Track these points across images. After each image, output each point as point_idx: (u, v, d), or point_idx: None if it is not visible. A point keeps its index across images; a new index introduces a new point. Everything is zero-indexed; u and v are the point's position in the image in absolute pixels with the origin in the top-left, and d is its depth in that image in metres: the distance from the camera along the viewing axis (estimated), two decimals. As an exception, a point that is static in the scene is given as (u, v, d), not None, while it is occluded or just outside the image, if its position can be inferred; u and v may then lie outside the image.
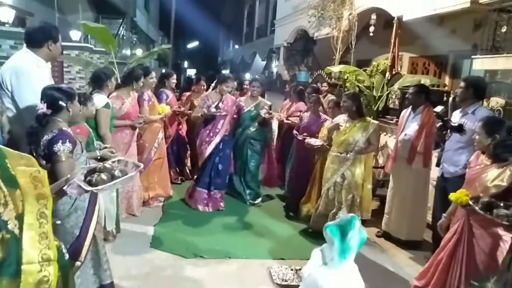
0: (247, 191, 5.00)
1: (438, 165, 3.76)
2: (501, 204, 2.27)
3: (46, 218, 1.23)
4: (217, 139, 4.56)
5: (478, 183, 2.51)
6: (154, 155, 4.59)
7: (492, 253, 2.40)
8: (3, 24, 6.96)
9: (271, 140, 5.43)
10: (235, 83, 4.75)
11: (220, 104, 4.54)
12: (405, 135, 3.98)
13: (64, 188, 1.55)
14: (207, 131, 4.62)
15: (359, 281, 2.09)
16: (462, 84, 3.45)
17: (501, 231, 2.31)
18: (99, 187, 1.66)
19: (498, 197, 2.35)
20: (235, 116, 4.94)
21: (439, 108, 3.47)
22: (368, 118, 4.03)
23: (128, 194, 4.21)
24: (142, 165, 2.06)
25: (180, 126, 5.69)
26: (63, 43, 3.13)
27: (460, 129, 3.33)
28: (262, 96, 5.28)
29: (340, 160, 3.93)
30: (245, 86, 6.60)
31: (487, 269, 2.39)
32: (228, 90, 4.56)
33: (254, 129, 4.91)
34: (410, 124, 4.00)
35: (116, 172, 1.58)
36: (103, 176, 1.58)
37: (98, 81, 3.63)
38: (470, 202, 2.35)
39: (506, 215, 2.15)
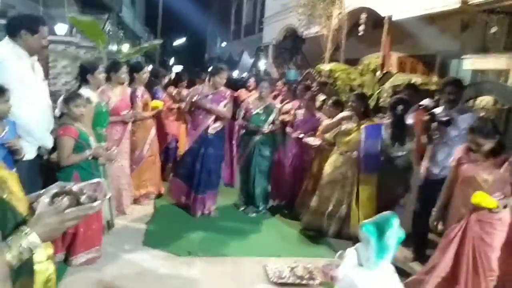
0: (252, 205, 4.61)
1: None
2: None
3: None
4: (195, 135, 4.31)
5: (480, 179, 2.55)
6: (146, 152, 4.49)
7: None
8: (-15, 15, 6.74)
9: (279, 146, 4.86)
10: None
11: (210, 96, 4.23)
12: None
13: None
14: (189, 125, 4.47)
15: (397, 283, 1.99)
16: (449, 87, 3.41)
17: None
18: None
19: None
20: (238, 118, 4.64)
21: (427, 101, 3.46)
22: (375, 119, 4.03)
23: (118, 192, 4.12)
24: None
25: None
26: (48, 37, 3.02)
27: (448, 123, 3.31)
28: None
29: (345, 158, 3.91)
30: (249, 85, 6.56)
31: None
32: (222, 82, 4.24)
33: (263, 134, 4.47)
34: None
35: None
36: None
37: (81, 74, 3.50)
38: None
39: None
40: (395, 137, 3.56)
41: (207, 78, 4.45)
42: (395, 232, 1.85)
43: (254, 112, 4.47)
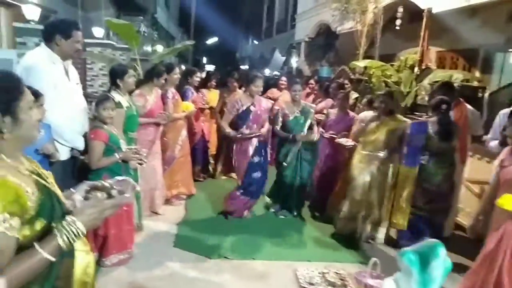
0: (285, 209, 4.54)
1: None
2: None
3: None
4: (252, 146, 4.20)
5: None
6: (177, 153, 4.53)
7: None
8: (28, 21, 7.06)
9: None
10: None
11: (252, 107, 4.17)
12: None
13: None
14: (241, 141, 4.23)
15: None
16: None
17: None
18: None
19: None
20: (274, 125, 4.52)
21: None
22: (400, 116, 3.89)
23: (151, 192, 4.17)
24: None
25: (202, 124, 5.59)
26: (86, 40, 3.09)
27: None
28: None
29: (371, 158, 3.78)
30: (281, 82, 6.52)
31: None
32: (257, 90, 4.17)
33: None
34: None
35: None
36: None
37: (111, 78, 3.48)
38: None
39: None
40: (440, 134, 3.49)
41: (243, 88, 4.43)
42: (442, 262, 1.59)
43: (291, 117, 4.33)
